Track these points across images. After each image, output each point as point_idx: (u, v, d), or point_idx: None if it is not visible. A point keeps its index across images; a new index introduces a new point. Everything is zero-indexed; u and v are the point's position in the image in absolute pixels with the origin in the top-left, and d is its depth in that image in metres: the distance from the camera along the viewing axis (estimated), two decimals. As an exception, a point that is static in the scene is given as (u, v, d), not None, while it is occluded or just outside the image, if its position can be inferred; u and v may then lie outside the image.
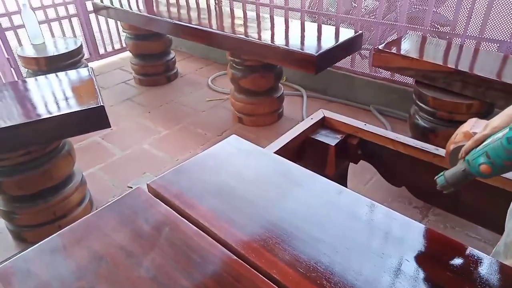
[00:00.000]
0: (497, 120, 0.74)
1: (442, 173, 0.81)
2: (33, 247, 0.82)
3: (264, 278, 0.72)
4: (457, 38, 2.29)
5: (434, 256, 0.76)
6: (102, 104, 1.59)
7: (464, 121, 0.86)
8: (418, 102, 1.96)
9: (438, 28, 2.62)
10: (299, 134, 1.43)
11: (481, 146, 0.73)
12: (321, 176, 1.00)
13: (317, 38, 2.29)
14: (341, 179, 1.65)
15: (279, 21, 2.59)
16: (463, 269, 0.73)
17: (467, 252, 0.77)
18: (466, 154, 0.76)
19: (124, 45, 3.93)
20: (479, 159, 0.71)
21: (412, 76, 2.06)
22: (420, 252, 0.77)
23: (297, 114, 2.84)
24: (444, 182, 0.80)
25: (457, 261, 0.75)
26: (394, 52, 2.04)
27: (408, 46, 2.11)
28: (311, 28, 2.45)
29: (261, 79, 2.53)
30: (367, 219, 0.85)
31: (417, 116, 2.01)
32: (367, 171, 2.01)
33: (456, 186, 0.80)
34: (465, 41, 2.26)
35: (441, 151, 1.25)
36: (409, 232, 0.82)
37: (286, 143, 1.36)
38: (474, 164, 0.73)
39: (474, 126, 0.83)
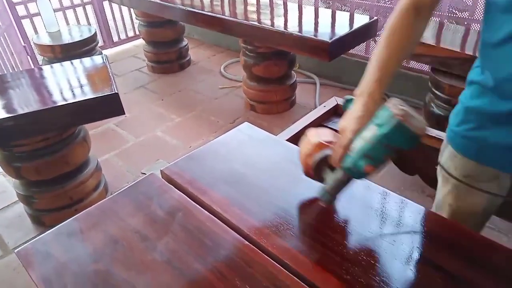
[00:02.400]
0: (352, 123, 0.75)
1: (322, 191, 0.81)
2: (51, 230, 0.85)
3: (276, 263, 0.73)
4: (475, 23, 2.23)
5: (447, 244, 0.75)
6: (116, 92, 1.61)
7: None
8: (434, 90, 1.93)
9: (456, 14, 2.55)
10: (311, 122, 1.42)
11: (356, 150, 0.72)
12: (333, 164, 1.00)
13: (331, 24, 2.26)
14: (354, 167, 1.65)
15: (292, 7, 2.56)
16: (476, 257, 0.72)
17: (480, 240, 0.76)
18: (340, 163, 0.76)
19: (137, 32, 3.94)
20: (360, 162, 0.72)
21: (428, 63, 2.02)
22: (432, 240, 0.77)
23: (310, 101, 2.83)
24: (329, 196, 0.81)
25: (470, 249, 0.74)
26: (410, 38, 2.00)
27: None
28: (325, 14, 2.41)
29: (274, 66, 2.51)
30: (379, 206, 0.85)
31: (432, 104, 1.97)
32: (380, 160, 2.00)
33: (338, 194, 0.81)
34: (484, 26, 2.19)
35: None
36: (421, 220, 0.82)
37: (299, 131, 1.36)
38: (357, 168, 0.72)
39: (320, 135, 0.82)
